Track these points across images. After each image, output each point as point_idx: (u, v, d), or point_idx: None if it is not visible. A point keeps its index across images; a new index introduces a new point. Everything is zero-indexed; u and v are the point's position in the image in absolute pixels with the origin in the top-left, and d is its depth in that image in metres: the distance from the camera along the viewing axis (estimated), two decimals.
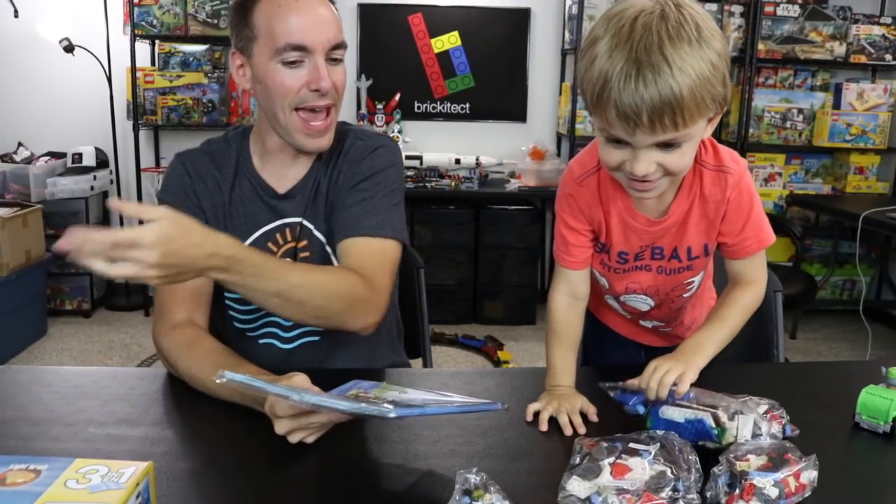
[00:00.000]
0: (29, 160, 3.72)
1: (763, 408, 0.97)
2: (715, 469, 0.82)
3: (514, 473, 0.88)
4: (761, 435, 0.92)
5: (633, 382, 1.02)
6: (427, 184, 3.71)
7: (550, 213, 4.08)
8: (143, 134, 3.80)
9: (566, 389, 1.10)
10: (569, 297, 1.17)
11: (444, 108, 4.03)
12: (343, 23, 1.24)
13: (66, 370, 1.18)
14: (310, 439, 0.93)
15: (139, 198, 3.79)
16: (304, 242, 1.27)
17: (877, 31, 3.81)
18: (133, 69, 3.64)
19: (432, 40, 3.94)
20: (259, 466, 0.89)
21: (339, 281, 1.13)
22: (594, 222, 1.13)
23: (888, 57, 3.83)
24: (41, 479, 0.65)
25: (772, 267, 1.57)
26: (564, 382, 1.11)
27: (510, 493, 0.77)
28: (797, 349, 3.53)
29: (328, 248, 1.27)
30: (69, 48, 3.58)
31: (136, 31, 3.60)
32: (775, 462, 0.82)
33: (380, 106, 3.89)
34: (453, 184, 3.70)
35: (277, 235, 1.27)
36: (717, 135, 3.18)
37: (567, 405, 1.04)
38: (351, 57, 3.80)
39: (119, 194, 3.87)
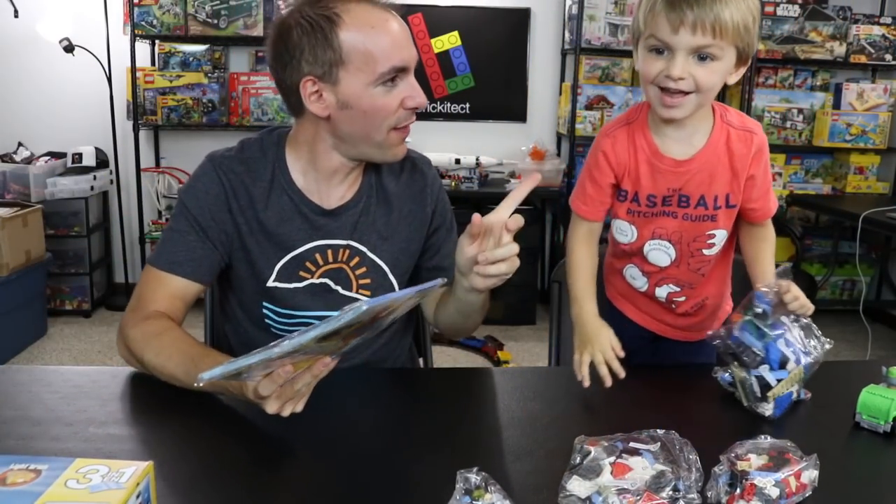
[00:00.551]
0: (29, 160, 3.72)
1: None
2: (715, 469, 0.82)
3: (515, 473, 0.88)
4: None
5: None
6: None
7: (550, 213, 4.08)
8: (143, 134, 3.80)
9: (591, 319, 1.22)
10: (584, 236, 1.31)
11: (444, 108, 4.03)
12: None
13: (66, 370, 1.18)
14: (299, 408, 0.92)
15: (139, 197, 3.79)
16: (356, 260, 1.25)
17: (877, 31, 3.81)
18: (133, 69, 3.64)
19: (432, 40, 3.94)
20: (259, 466, 0.89)
21: None
22: (621, 168, 1.25)
23: (888, 57, 3.83)
24: (41, 479, 0.65)
25: None
26: (587, 308, 1.24)
27: (510, 492, 0.76)
28: None
29: (391, 277, 1.27)
30: (69, 48, 3.57)
31: (136, 31, 3.59)
32: (776, 462, 0.82)
33: None
34: (453, 184, 3.70)
35: (317, 255, 1.23)
36: None
37: (598, 347, 1.16)
38: None
39: (119, 194, 3.87)
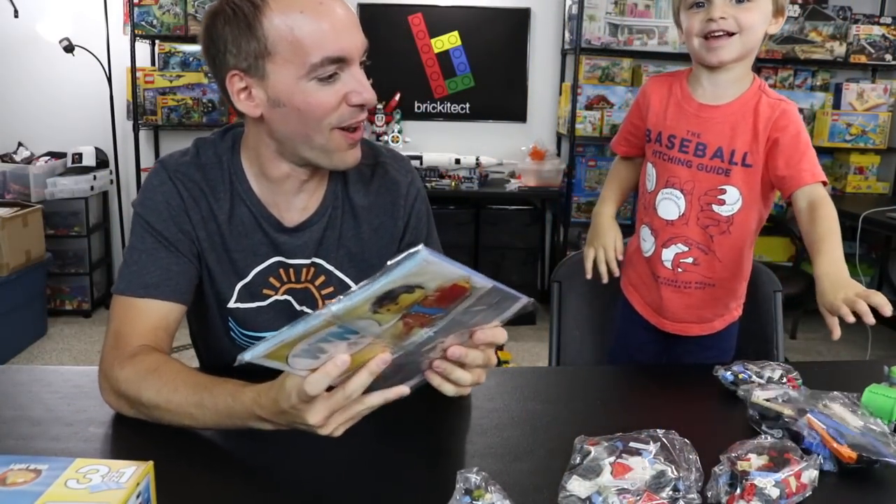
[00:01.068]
0: (29, 160, 3.72)
1: (778, 372, 1.08)
2: (716, 469, 0.82)
3: (515, 473, 0.88)
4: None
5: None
6: (427, 184, 3.70)
7: (550, 213, 4.08)
8: (143, 134, 3.80)
9: (605, 220, 1.41)
10: (624, 162, 1.50)
11: (444, 108, 4.03)
12: None
13: (66, 370, 1.18)
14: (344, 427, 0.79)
15: None
16: (321, 279, 1.14)
17: (877, 31, 3.81)
18: (133, 69, 3.64)
19: (432, 40, 3.94)
20: (259, 466, 0.89)
21: None
22: (653, 109, 1.37)
23: (888, 57, 3.83)
24: (41, 479, 0.65)
25: (771, 267, 1.58)
26: (605, 210, 1.44)
27: (510, 492, 0.76)
28: (797, 349, 3.53)
29: None
30: (69, 48, 3.58)
31: (136, 31, 3.59)
32: (776, 462, 0.82)
33: (380, 106, 3.89)
34: (453, 184, 3.70)
35: (281, 271, 1.13)
36: None
37: (601, 244, 1.37)
38: None
39: (119, 194, 3.87)
